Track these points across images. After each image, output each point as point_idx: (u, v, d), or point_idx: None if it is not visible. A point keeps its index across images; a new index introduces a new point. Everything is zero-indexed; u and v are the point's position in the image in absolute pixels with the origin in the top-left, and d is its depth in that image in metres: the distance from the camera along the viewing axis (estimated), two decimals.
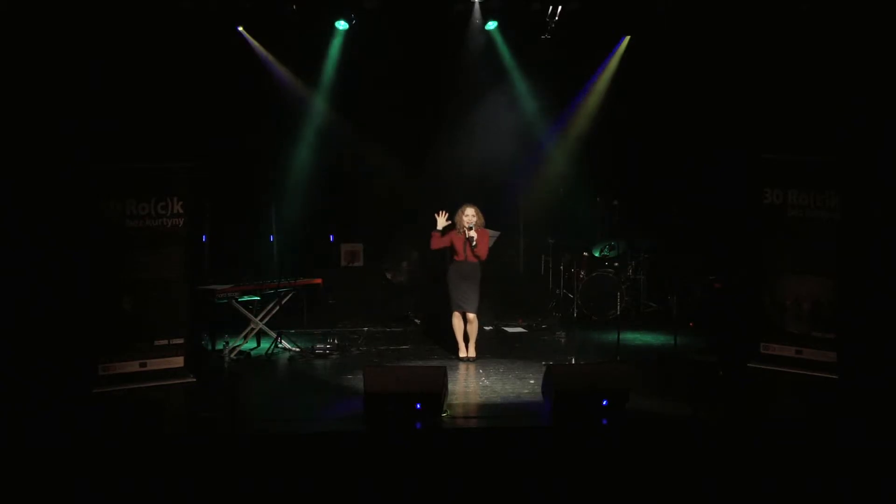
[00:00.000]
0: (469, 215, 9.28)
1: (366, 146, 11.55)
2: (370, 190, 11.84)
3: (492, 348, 10.18)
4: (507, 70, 11.76)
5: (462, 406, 7.97)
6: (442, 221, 9.34)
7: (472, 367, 9.31)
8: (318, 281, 10.47)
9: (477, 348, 9.56)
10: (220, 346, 9.79)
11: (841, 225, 8.79)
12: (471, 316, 9.40)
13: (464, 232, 9.27)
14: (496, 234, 10.77)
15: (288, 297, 10.24)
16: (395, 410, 7.39)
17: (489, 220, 10.65)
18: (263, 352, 10.00)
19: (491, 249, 9.48)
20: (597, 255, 11.89)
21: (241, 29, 10.87)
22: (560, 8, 10.54)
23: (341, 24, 10.92)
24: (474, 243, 9.21)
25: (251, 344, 10.20)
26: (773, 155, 9.23)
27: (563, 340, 10.67)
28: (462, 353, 9.49)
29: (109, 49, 9.37)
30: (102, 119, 9.11)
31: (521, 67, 11.75)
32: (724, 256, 10.99)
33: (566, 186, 12.33)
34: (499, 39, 11.50)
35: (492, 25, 11.21)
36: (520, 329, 11.27)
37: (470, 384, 8.73)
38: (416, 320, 11.45)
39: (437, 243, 9.44)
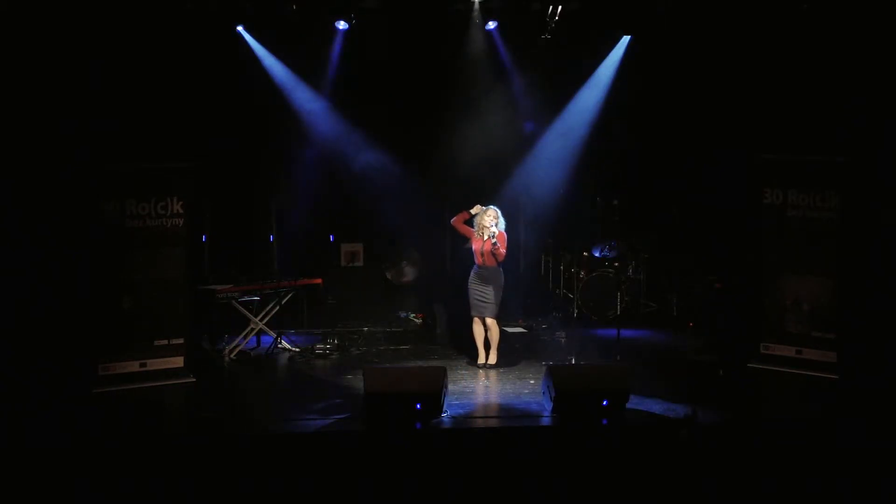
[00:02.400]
0: (490, 216, 9.11)
1: (365, 146, 11.54)
2: (370, 190, 11.83)
3: None
4: (507, 70, 11.74)
5: (463, 406, 7.98)
6: (476, 209, 9.16)
7: (472, 366, 9.29)
8: (318, 281, 10.48)
9: (498, 354, 9.35)
10: (220, 347, 9.79)
11: (841, 225, 8.79)
12: (489, 321, 9.22)
13: (482, 234, 9.11)
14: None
15: (288, 297, 10.24)
16: (395, 410, 7.39)
17: None
18: (263, 352, 10.01)
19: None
20: (597, 255, 11.88)
21: (241, 29, 10.86)
22: (560, 8, 10.52)
23: (341, 24, 10.91)
24: (495, 240, 9.00)
25: (251, 344, 10.20)
26: (773, 155, 9.23)
27: (563, 340, 10.67)
28: (481, 360, 9.29)
29: (109, 49, 9.37)
30: (102, 119, 9.11)
31: (521, 67, 11.74)
32: (724, 256, 10.98)
33: (566, 186, 12.31)
34: (499, 39, 11.48)
35: (492, 25, 11.20)
36: (520, 329, 11.27)
37: (470, 384, 8.72)
38: (416, 320, 11.45)
39: (457, 221, 9.24)
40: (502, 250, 9.11)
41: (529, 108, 12.02)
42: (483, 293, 9.17)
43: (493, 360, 9.29)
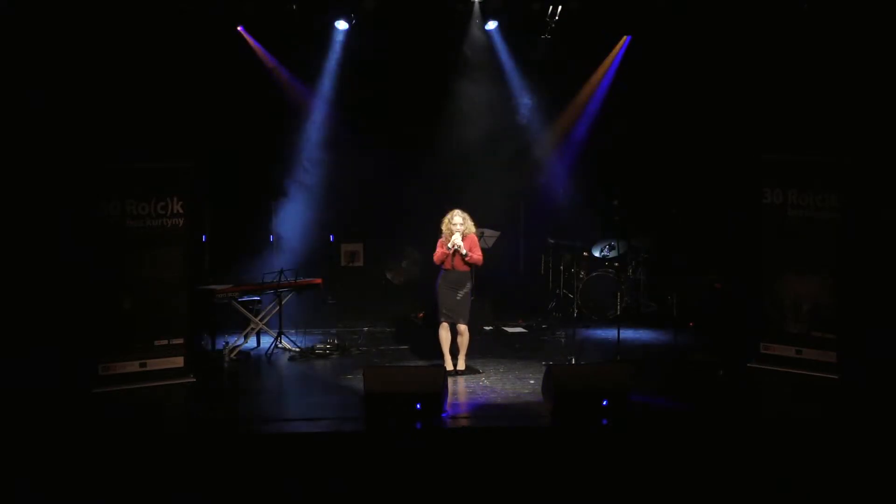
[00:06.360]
0: (456, 224, 8.88)
1: (365, 146, 11.55)
2: (370, 190, 11.84)
3: (492, 348, 10.18)
4: (507, 70, 11.75)
5: (462, 406, 7.98)
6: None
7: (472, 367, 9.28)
8: (318, 281, 10.48)
9: (467, 360, 9.15)
10: (220, 346, 9.80)
11: (841, 225, 8.79)
12: (461, 327, 9.02)
13: (449, 239, 8.88)
14: (495, 234, 10.78)
15: (288, 297, 10.24)
16: (395, 410, 7.39)
17: (491, 219, 10.67)
18: (263, 352, 10.01)
19: (490, 250, 9.38)
20: (597, 255, 11.89)
21: (241, 29, 10.87)
22: (560, 8, 10.53)
23: (341, 24, 10.92)
24: (464, 252, 8.82)
25: (251, 344, 10.21)
26: (773, 155, 9.23)
27: (563, 340, 10.67)
28: (448, 367, 8.96)
29: (110, 49, 9.37)
30: (103, 119, 9.12)
31: (521, 67, 11.75)
32: (724, 256, 10.99)
33: (566, 186, 12.32)
34: (499, 39, 11.50)
35: (492, 25, 11.21)
36: (520, 329, 11.27)
37: (470, 384, 8.72)
38: (417, 320, 11.45)
39: (441, 253, 9.00)
40: (476, 256, 8.92)
41: (529, 107, 12.04)
42: (454, 298, 8.97)
43: (461, 366, 9.10)
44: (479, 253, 9.04)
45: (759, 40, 10.25)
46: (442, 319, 9.04)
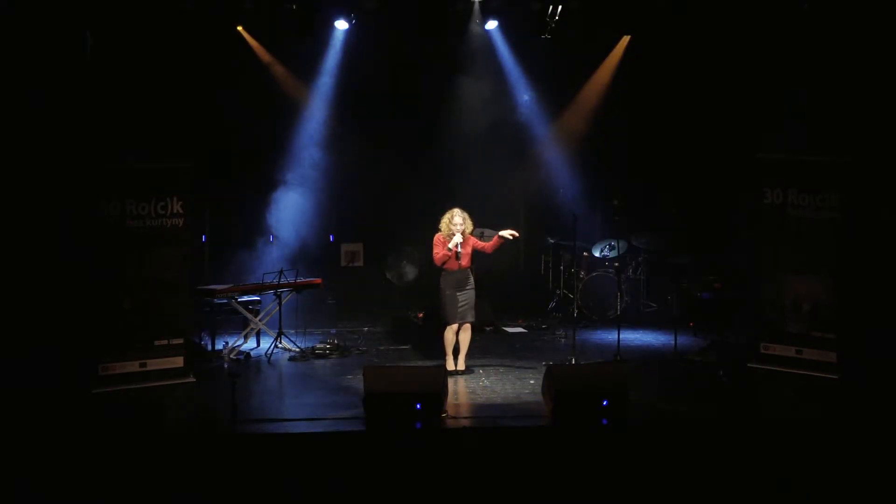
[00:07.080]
0: (457, 224, 8.88)
1: (365, 146, 11.55)
2: (370, 190, 11.84)
3: (492, 348, 10.17)
4: (507, 69, 11.75)
5: (462, 406, 7.98)
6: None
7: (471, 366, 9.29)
8: (318, 281, 10.48)
9: (467, 360, 9.12)
10: (220, 347, 9.80)
11: (841, 225, 8.79)
12: (467, 325, 9.03)
13: (450, 239, 8.88)
14: (494, 233, 10.76)
15: (288, 298, 10.24)
16: (395, 410, 7.39)
17: (491, 219, 10.66)
18: (263, 352, 10.01)
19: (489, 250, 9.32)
20: (597, 255, 11.88)
21: (240, 29, 10.87)
22: (560, 8, 10.53)
23: (341, 24, 10.92)
24: (461, 249, 8.85)
25: (251, 344, 10.21)
26: (773, 155, 9.23)
27: (563, 340, 10.66)
28: (450, 367, 8.98)
29: (110, 49, 9.37)
30: (102, 119, 9.11)
31: (521, 67, 11.75)
32: (725, 256, 10.98)
33: (566, 186, 12.32)
34: (499, 39, 11.50)
35: (492, 25, 11.21)
36: (520, 329, 11.27)
37: (470, 384, 8.72)
38: (417, 320, 11.45)
39: (444, 255, 8.96)
40: (493, 243, 8.97)
41: (529, 105, 12.04)
42: (465, 298, 8.96)
43: (462, 366, 9.07)
44: (490, 244, 9.06)
45: (758, 40, 10.25)
46: (450, 321, 8.99)
